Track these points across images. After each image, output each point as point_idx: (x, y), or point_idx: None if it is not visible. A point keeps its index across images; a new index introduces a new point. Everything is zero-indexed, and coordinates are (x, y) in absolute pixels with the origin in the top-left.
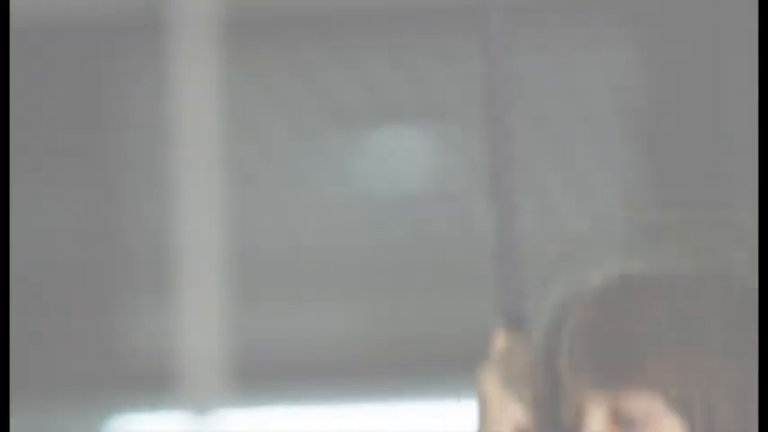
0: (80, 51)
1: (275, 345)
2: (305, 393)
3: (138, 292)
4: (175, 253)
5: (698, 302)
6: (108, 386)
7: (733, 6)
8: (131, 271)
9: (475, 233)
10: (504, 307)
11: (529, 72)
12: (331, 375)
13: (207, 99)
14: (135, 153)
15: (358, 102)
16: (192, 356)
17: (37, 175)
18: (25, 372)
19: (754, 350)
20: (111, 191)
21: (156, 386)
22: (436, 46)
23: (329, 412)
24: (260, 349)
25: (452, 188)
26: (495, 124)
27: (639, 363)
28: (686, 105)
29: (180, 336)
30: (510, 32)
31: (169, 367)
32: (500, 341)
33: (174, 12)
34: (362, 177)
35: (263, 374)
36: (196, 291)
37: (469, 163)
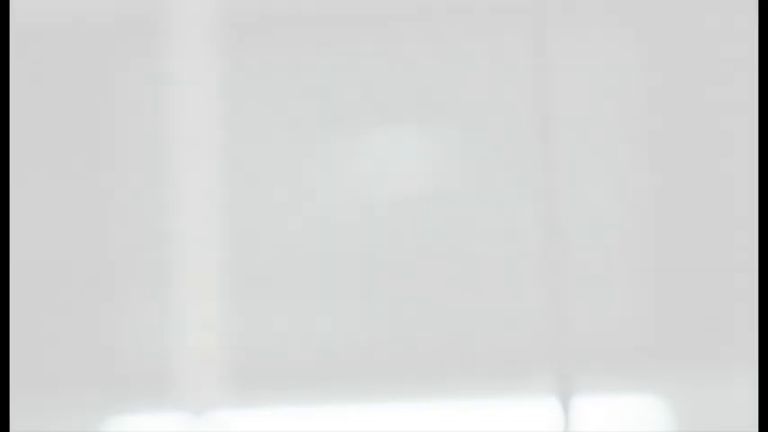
0: (80, 51)
1: (275, 345)
2: (304, 394)
3: (137, 292)
4: (174, 253)
5: None
6: (106, 386)
7: (733, 6)
8: (130, 271)
9: (474, 234)
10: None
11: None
12: (331, 376)
13: (206, 99)
14: (134, 152)
15: (357, 103)
16: (191, 356)
17: (36, 174)
18: (24, 372)
19: None
20: (109, 190)
21: (154, 386)
22: (437, 47)
23: (329, 413)
24: (259, 349)
25: (452, 189)
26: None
27: None
28: (686, 105)
29: (179, 336)
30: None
31: (168, 367)
32: None
33: (173, 12)
34: (362, 178)
35: (262, 374)
36: (195, 291)
37: (469, 164)
